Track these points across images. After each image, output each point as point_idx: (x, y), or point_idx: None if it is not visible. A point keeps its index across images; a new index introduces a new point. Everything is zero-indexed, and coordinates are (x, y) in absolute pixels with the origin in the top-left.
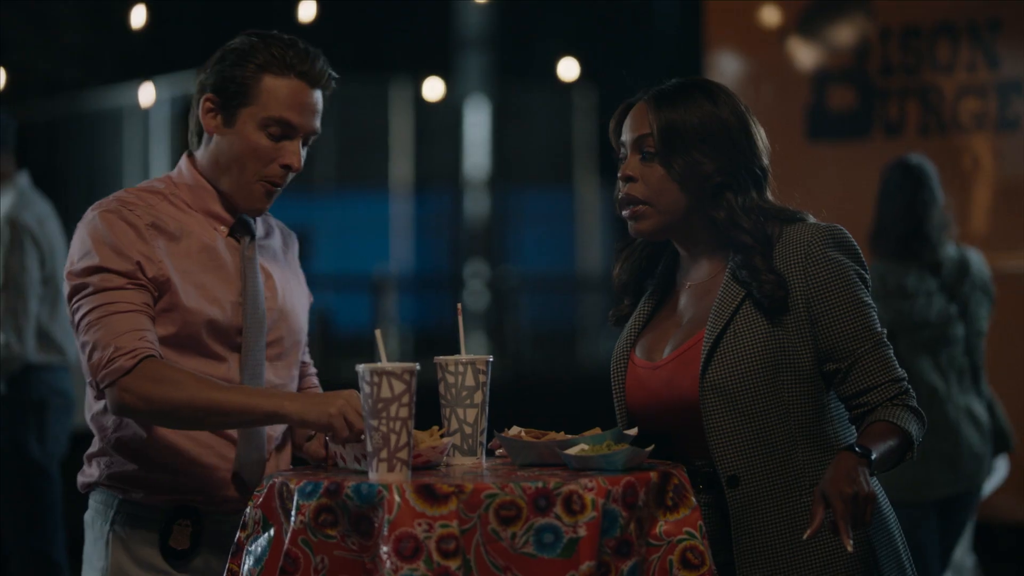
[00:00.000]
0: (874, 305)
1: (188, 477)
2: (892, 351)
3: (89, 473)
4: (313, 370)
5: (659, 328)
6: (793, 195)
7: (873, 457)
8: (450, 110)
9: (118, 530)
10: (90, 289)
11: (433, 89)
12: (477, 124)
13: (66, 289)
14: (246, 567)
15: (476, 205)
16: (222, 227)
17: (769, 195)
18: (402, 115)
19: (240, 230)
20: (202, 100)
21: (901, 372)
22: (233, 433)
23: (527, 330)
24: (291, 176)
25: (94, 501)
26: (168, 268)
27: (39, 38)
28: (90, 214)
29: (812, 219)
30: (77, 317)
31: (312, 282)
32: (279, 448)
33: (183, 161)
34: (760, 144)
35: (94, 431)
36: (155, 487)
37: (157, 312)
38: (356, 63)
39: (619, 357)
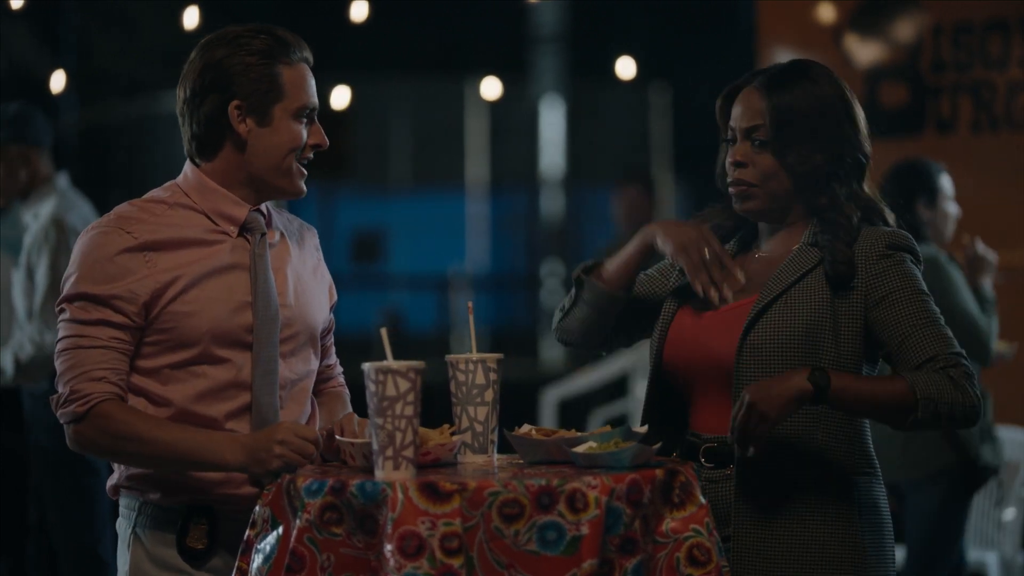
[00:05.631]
0: (930, 294)
1: (202, 476)
2: (951, 332)
3: (112, 476)
4: (339, 370)
5: None
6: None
7: (829, 390)
8: (526, 109)
9: (139, 532)
10: (67, 315)
11: (491, 88)
12: (553, 123)
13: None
14: (255, 565)
15: (552, 204)
16: (232, 227)
17: (867, 188)
18: (477, 114)
19: (251, 229)
20: (230, 108)
21: (958, 348)
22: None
23: None
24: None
25: (121, 506)
26: (163, 283)
27: (119, 40)
28: (87, 233)
29: (891, 222)
30: (56, 340)
31: (387, 282)
32: None
33: (188, 168)
34: (863, 129)
35: None
36: (170, 487)
37: (153, 335)
38: (431, 62)
39: (669, 308)
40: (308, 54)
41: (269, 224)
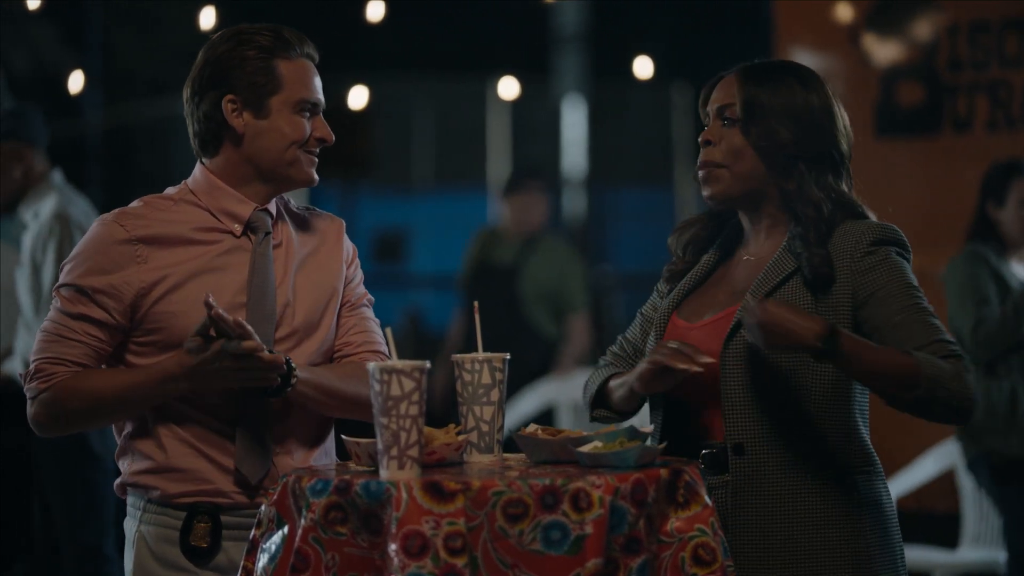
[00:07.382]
0: (919, 288)
1: (206, 476)
2: (941, 324)
3: (120, 475)
4: (371, 339)
5: (707, 294)
6: (863, 192)
7: (839, 340)
8: (548, 109)
9: (143, 530)
10: (57, 303)
11: (509, 88)
12: (575, 123)
13: None
14: (260, 564)
15: (574, 204)
16: (236, 225)
17: (844, 186)
18: (500, 114)
19: (255, 228)
20: (223, 103)
21: (951, 338)
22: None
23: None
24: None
25: (128, 505)
26: (149, 283)
27: (143, 40)
28: (94, 224)
29: (873, 217)
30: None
31: (409, 281)
32: (311, 446)
33: (197, 167)
34: (842, 129)
35: (115, 432)
36: (175, 486)
37: (142, 335)
38: (454, 62)
39: (661, 316)
40: (312, 51)
41: (276, 223)
